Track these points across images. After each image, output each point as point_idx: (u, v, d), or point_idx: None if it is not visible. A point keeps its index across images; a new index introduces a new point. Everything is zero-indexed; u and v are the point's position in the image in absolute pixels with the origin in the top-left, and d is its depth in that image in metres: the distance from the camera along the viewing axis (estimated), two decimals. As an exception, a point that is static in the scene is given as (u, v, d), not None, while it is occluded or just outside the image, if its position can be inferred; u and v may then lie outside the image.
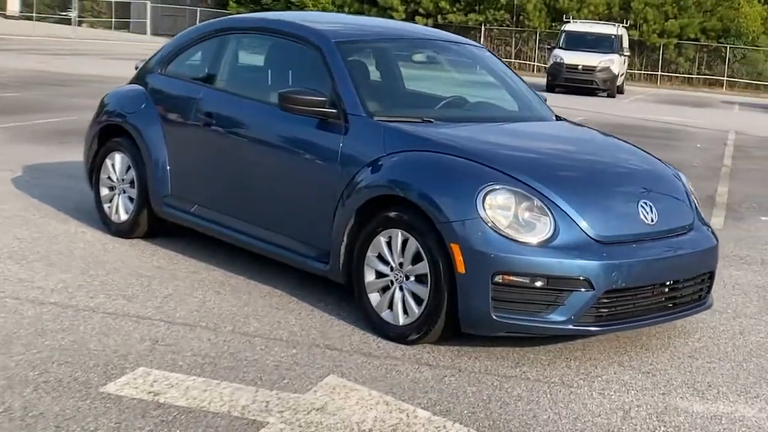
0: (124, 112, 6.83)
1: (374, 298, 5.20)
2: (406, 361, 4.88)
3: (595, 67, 27.90)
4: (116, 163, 6.90)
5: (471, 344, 5.12)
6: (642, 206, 5.12)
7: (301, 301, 5.72)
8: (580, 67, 27.86)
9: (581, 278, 4.72)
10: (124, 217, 6.85)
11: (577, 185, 5.07)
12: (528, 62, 45.71)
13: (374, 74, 6.30)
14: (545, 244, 4.74)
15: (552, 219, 4.79)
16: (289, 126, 5.74)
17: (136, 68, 7.45)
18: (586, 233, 4.82)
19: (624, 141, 6.21)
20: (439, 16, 48.53)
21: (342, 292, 5.79)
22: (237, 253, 6.55)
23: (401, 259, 5.06)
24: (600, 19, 42.29)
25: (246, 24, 6.65)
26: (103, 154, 7.01)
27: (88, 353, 4.67)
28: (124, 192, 6.88)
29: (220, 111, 6.16)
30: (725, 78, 43.15)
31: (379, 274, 5.20)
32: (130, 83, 7.21)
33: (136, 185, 6.73)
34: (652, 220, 5.11)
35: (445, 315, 4.90)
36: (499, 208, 4.79)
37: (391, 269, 5.11)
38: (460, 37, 6.97)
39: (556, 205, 4.84)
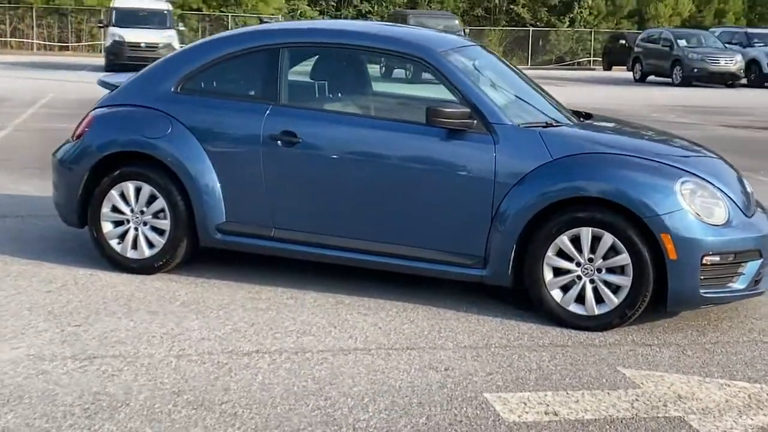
0: (145, 137, 6.26)
1: (557, 294, 5.64)
2: (637, 345, 5.44)
3: (158, 44, 27.94)
4: (129, 193, 6.33)
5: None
6: (745, 184, 6.14)
7: (445, 309, 5.93)
8: (143, 44, 27.72)
9: (756, 250, 5.63)
10: (148, 252, 6.34)
11: (715, 171, 5.94)
12: (26, 39, 43.61)
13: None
14: (728, 225, 5.57)
15: (725, 202, 5.63)
16: (420, 140, 5.84)
17: (106, 85, 6.78)
18: (742, 211, 5.73)
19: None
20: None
21: (462, 292, 6.14)
22: (285, 270, 6.48)
23: (590, 255, 5.55)
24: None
25: (313, 38, 6.43)
26: (106, 186, 6.37)
27: (412, 391, 4.63)
28: (145, 224, 6.35)
29: (312, 129, 6.00)
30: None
31: (558, 272, 5.63)
32: (112, 105, 6.56)
33: (169, 216, 6.26)
34: (753, 196, 6.16)
35: (649, 299, 5.51)
36: (692, 197, 5.51)
37: (578, 264, 5.58)
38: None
39: (721, 189, 5.69)
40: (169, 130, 6.18)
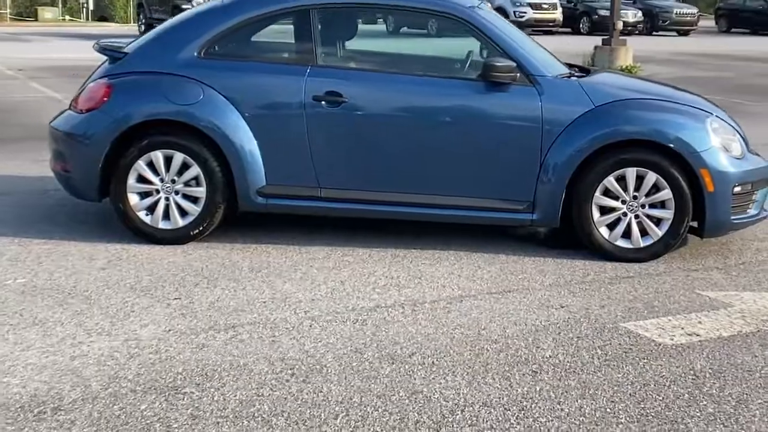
0: (178, 105, 6.14)
1: (605, 231, 6.17)
2: (687, 271, 6.05)
3: None
4: (159, 163, 6.22)
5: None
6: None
7: (495, 254, 6.27)
8: None
9: (765, 179, 6.40)
10: (182, 221, 6.27)
11: (719, 110, 6.62)
12: None
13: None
14: (743, 158, 6.29)
15: (738, 138, 6.35)
16: (465, 95, 6.13)
17: (106, 51, 6.55)
18: (746, 144, 6.49)
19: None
20: None
21: (491, 236, 6.56)
22: (313, 229, 6.59)
23: (635, 192, 6.12)
24: None
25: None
26: (133, 157, 6.22)
27: (559, 328, 4.99)
28: (177, 193, 6.28)
29: (356, 88, 6.10)
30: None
31: (603, 210, 6.16)
32: (127, 73, 6.37)
33: (205, 183, 6.22)
34: None
35: (687, 229, 6.15)
36: (717, 135, 6.18)
37: (623, 202, 6.13)
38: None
39: (732, 126, 6.41)
40: (201, 96, 6.09)
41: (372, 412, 3.90)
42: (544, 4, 34.43)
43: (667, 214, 6.04)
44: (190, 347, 4.54)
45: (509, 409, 3.96)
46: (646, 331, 4.90)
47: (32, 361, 4.35)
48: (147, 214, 6.19)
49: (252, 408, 3.91)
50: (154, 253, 6.04)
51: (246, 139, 6.07)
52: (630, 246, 6.08)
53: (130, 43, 6.69)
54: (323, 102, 6.04)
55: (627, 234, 6.11)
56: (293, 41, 6.32)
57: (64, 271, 5.67)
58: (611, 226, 6.11)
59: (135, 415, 3.81)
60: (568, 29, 35.12)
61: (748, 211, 6.23)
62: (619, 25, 18.33)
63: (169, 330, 4.76)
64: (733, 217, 6.10)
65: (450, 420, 3.85)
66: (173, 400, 3.96)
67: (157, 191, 6.16)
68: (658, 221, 6.08)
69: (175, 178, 6.14)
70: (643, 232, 6.10)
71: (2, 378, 4.15)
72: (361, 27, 6.63)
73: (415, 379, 4.24)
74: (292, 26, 6.31)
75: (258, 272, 5.72)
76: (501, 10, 32.96)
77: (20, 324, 4.81)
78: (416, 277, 5.71)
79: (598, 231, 6.07)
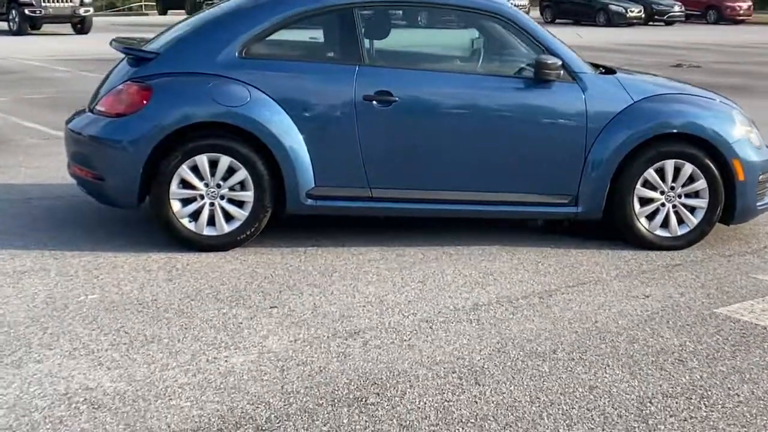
0: (227, 107, 5.96)
1: (645, 222, 6.43)
2: (724, 257, 6.36)
3: None
4: (204, 167, 6.06)
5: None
6: None
7: (540, 248, 6.39)
8: None
9: (774, 169, 6.81)
10: (228, 227, 6.14)
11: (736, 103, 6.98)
12: None
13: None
14: (761, 147, 6.70)
15: (755, 129, 6.75)
16: (512, 92, 6.22)
17: (129, 51, 6.31)
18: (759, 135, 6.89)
19: None
20: None
21: (541, 234, 6.69)
22: (351, 228, 6.55)
23: (673, 183, 6.41)
24: None
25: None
26: (177, 161, 6.04)
27: (662, 317, 5.18)
28: (222, 198, 6.14)
29: (407, 87, 6.10)
30: None
31: (643, 201, 6.43)
32: (163, 75, 6.15)
33: (252, 186, 6.11)
34: None
35: (719, 216, 6.50)
36: (744, 126, 6.55)
37: (662, 193, 6.42)
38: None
39: (748, 118, 6.79)
40: (249, 98, 5.94)
41: (570, 410, 3.94)
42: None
43: (702, 203, 6.31)
44: (333, 357, 4.45)
45: (691, 398, 4.09)
46: (742, 315, 5.14)
47: (183, 380, 4.16)
48: (190, 221, 5.97)
49: (454, 414, 3.89)
50: (208, 261, 5.84)
51: (295, 141, 5.96)
52: (668, 235, 6.34)
53: (150, 42, 6.41)
54: (374, 102, 5.99)
55: (664, 223, 6.31)
56: (338, 40, 6.22)
57: (130, 284, 5.43)
58: (650, 217, 6.31)
59: (347, 429, 3.72)
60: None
61: (765, 198, 6.59)
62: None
63: (295, 340, 4.65)
64: (758, 205, 6.43)
65: (646, 412, 3.94)
66: (369, 412, 3.89)
67: (201, 196, 5.96)
68: (692, 210, 6.32)
69: (221, 182, 5.94)
70: (679, 221, 6.32)
71: (169, 401, 3.95)
72: (397, 23, 6.56)
73: (579, 374, 4.30)
74: (336, 25, 6.18)
75: (330, 276, 5.64)
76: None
77: (134, 343, 4.57)
78: (487, 274, 5.77)
79: (639, 221, 6.28)
